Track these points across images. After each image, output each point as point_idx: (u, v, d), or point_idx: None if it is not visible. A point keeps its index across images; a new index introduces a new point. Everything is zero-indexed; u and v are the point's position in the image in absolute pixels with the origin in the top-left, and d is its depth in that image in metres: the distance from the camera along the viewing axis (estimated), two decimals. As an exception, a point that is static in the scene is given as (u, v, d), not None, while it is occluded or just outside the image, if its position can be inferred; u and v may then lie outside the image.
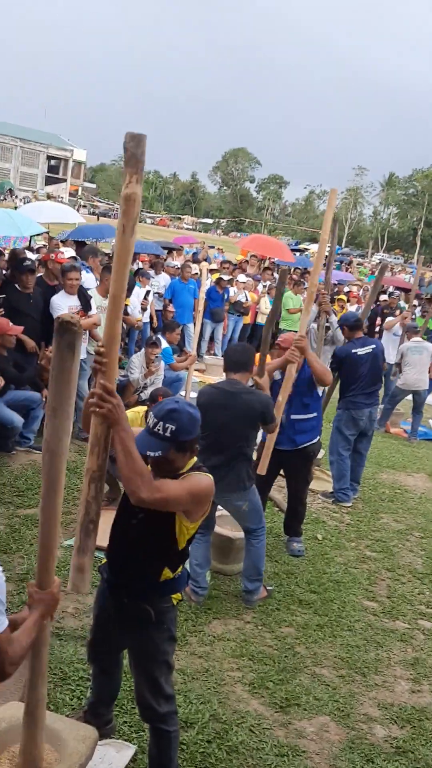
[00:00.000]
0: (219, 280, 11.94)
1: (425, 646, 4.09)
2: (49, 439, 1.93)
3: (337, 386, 6.48)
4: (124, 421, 2.24)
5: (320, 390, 5.00)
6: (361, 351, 6.17)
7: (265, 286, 13.29)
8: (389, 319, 10.67)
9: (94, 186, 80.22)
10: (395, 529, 5.91)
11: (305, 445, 4.92)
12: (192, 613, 4.02)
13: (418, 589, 4.85)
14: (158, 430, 2.31)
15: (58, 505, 1.99)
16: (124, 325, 8.30)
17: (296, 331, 4.86)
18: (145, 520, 2.39)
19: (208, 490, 2.41)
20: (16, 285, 6.33)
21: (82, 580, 2.31)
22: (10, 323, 5.57)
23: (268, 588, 4.41)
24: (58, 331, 1.88)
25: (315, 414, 4.96)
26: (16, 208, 17.92)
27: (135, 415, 4.72)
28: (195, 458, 2.48)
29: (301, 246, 47.10)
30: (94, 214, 46.54)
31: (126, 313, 8.34)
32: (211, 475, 2.46)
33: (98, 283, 7.52)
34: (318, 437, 5.04)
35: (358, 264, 36.53)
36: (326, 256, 5.38)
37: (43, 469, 1.98)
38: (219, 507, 4.40)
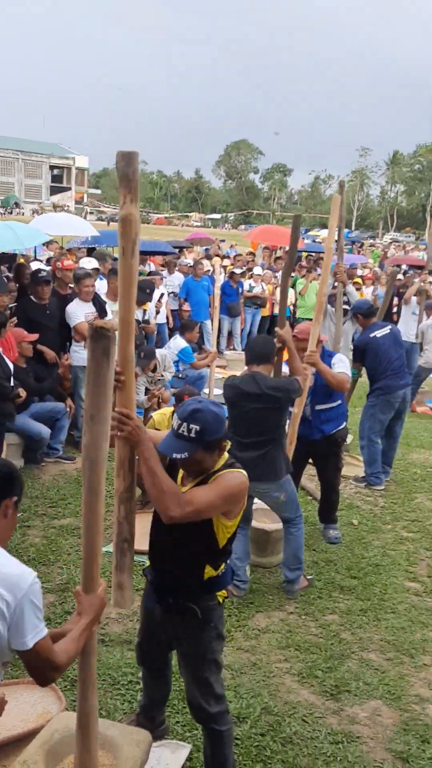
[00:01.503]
0: (232, 274, 11.93)
1: (472, 624, 4.06)
2: (89, 446, 1.94)
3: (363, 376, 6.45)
4: (146, 441, 2.26)
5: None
6: (379, 333, 6.12)
7: (275, 277, 13.25)
8: (407, 292, 10.51)
9: (98, 192, 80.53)
10: (430, 508, 5.87)
11: (334, 431, 4.90)
12: (235, 608, 4.04)
13: (459, 567, 4.81)
14: (183, 431, 2.29)
15: (101, 512, 2.01)
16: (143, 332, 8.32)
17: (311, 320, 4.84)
18: (183, 523, 2.39)
19: (241, 487, 2.39)
20: (32, 297, 6.40)
21: (123, 597, 2.38)
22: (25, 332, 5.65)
23: (308, 577, 4.41)
24: (93, 337, 1.87)
25: (339, 402, 4.93)
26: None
27: (162, 417, 4.74)
28: (226, 455, 2.46)
29: (312, 233, 46.82)
30: (101, 219, 46.71)
31: (146, 322, 8.35)
32: (244, 471, 2.44)
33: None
34: (345, 423, 5.01)
35: (370, 246, 36.20)
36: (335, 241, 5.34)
37: (83, 476, 1.99)
38: (255, 500, 4.41)
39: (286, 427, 4.26)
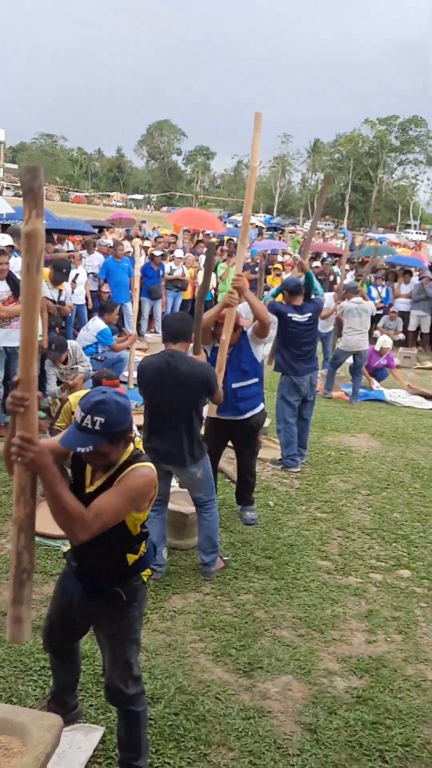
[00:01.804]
0: (152, 256, 11.82)
1: (377, 598, 4.25)
2: None
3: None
4: (50, 465, 2.15)
5: (259, 357, 5.01)
6: (298, 317, 6.22)
7: (197, 261, 13.25)
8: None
9: (15, 166, 77.54)
10: (343, 489, 6.07)
11: (250, 414, 4.96)
12: (151, 590, 4.05)
13: (367, 545, 5.01)
14: (87, 424, 2.20)
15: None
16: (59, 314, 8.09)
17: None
18: None
19: (150, 485, 2.35)
20: None
21: (21, 631, 2.25)
22: None
23: (225, 558, 4.47)
24: None
25: (256, 380, 4.98)
26: None
27: (77, 400, 4.65)
28: (131, 446, 2.40)
29: (234, 217, 47.01)
30: (18, 195, 45.03)
31: (62, 302, 8.14)
32: (151, 464, 2.40)
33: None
34: (262, 406, 5.08)
35: (290, 232, 36.70)
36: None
37: None
38: (173, 483, 4.42)
39: (205, 409, 4.28)
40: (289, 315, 6.20)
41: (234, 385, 4.86)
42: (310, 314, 6.30)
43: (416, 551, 4.98)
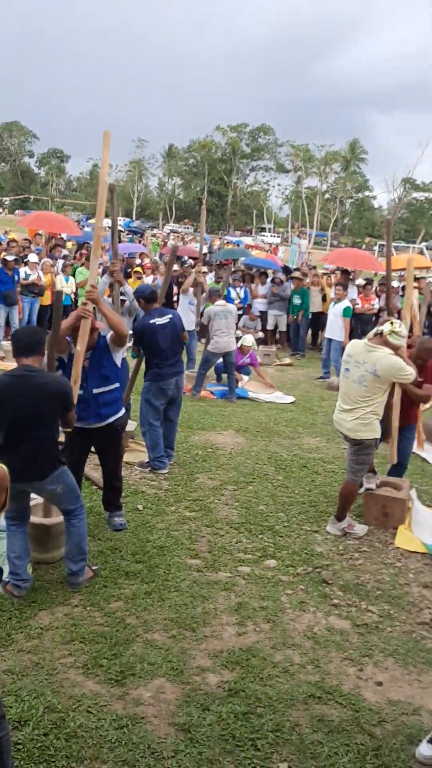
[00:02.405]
0: (5, 261, 11.34)
1: (246, 590, 4.34)
2: None
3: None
4: None
5: (119, 362, 4.96)
6: (159, 320, 6.24)
7: (53, 265, 12.91)
8: (185, 283, 10.86)
9: None
10: (210, 487, 6.16)
11: (112, 419, 4.89)
12: (15, 609, 3.87)
13: (235, 539, 5.11)
14: None
15: None
16: None
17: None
18: None
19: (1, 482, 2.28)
20: None
21: None
22: None
23: (93, 568, 4.37)
24: None
25: (117, 385, 4.93)
26: None
27: None
28: None
29: (92, 221, 46.28)
30: None
31: None
32: (2, 465, 2.32)
33: None
34: (123, 410, 5.03)
35: (151, 236, 36.77)
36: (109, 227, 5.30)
37: None
38: (33, 496, 4.25)
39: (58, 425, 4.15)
40: (151, 322, 6.20)
41: (95, 391, 4.77)
42: (170, 316, 6.34)
43: (281, 540, 5.15)
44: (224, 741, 2.97)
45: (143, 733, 2.98)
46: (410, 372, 5.00)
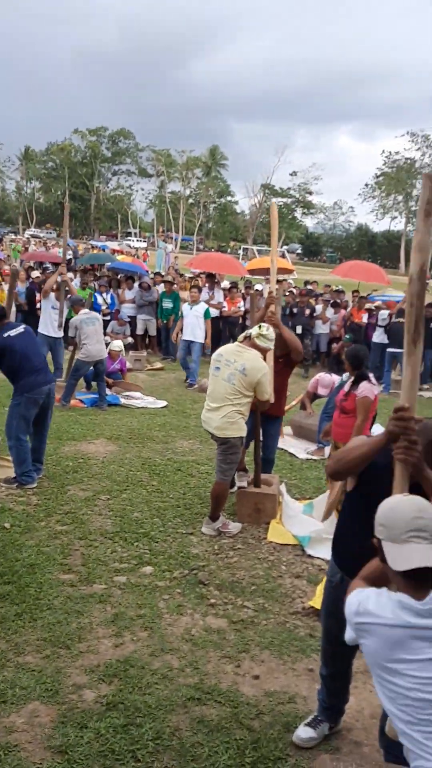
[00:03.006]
0: None
1: (122, 600, 4.28)
2: None
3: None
4: None
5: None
6: (13, 333, 6.05)
7: None
8: (44, 287, 10.53)
9: None
10: (83, 498, 6.01)
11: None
12: None
13: (110, 549, 5.02)
14: None
15: None
16: None
17: None
18: None
19: None
20: None
21: None
22: None
23: (-43, 594, 4.11)
24: None
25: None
26: None
27: None
28: None
29: None
30: None
31: None
32: None
33: None
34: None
35: (11, 241, 35.34)
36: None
37: None
38: None
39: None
40: (5, 336, 5.97)
41: None
42: (23, 326, 6.20)
43: (157, 546, 5.13)
44: (103, 757, 2.90)
45: (17, 761, 2.83)
46: (268, 392, 5.37)
